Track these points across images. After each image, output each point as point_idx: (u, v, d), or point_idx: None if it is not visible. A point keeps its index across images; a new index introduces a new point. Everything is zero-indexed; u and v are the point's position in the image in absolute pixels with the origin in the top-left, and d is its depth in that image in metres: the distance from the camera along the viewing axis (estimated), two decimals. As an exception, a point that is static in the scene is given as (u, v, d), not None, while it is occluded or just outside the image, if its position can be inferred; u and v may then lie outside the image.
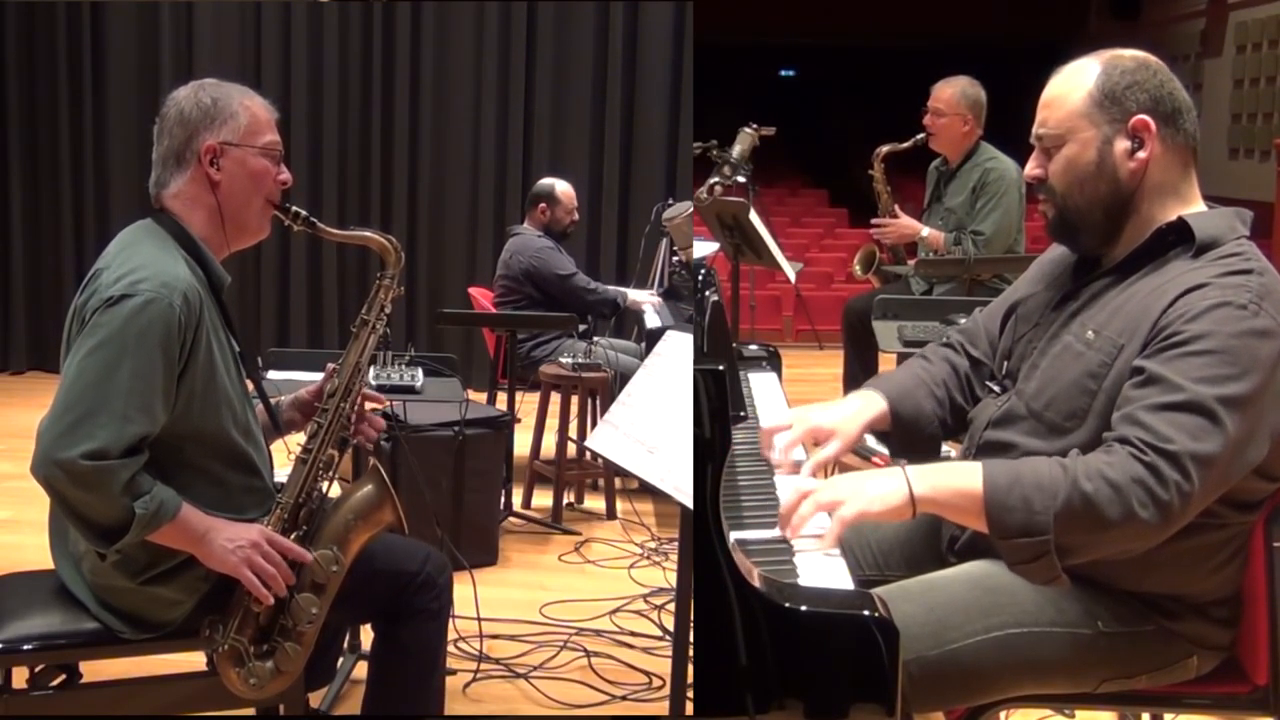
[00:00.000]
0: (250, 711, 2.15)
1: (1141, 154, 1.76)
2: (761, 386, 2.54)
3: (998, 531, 1.63)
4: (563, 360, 4.68)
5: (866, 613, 1.48)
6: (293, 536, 2.02)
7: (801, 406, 2.09)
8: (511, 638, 3.31)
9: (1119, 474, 1.57)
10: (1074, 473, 1.60)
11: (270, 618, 2.00)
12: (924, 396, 2.02)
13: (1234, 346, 1.61)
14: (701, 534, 1.51)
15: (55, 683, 2.05)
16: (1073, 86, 1.79)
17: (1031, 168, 1.86)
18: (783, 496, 1.77)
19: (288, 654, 1.99)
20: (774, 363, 2.71)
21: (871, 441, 3.47)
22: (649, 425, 2.18)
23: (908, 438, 2.02)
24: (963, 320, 2.17)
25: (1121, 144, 1.76)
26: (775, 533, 1.74)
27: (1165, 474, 1.56)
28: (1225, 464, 1.61)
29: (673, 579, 3.61)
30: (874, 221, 4.76)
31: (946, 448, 3.35)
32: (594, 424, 4.64)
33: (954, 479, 1.68)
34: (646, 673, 3.13)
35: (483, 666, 3.09)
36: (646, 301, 5.17)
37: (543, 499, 4.64)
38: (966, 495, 1.65)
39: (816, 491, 1.71)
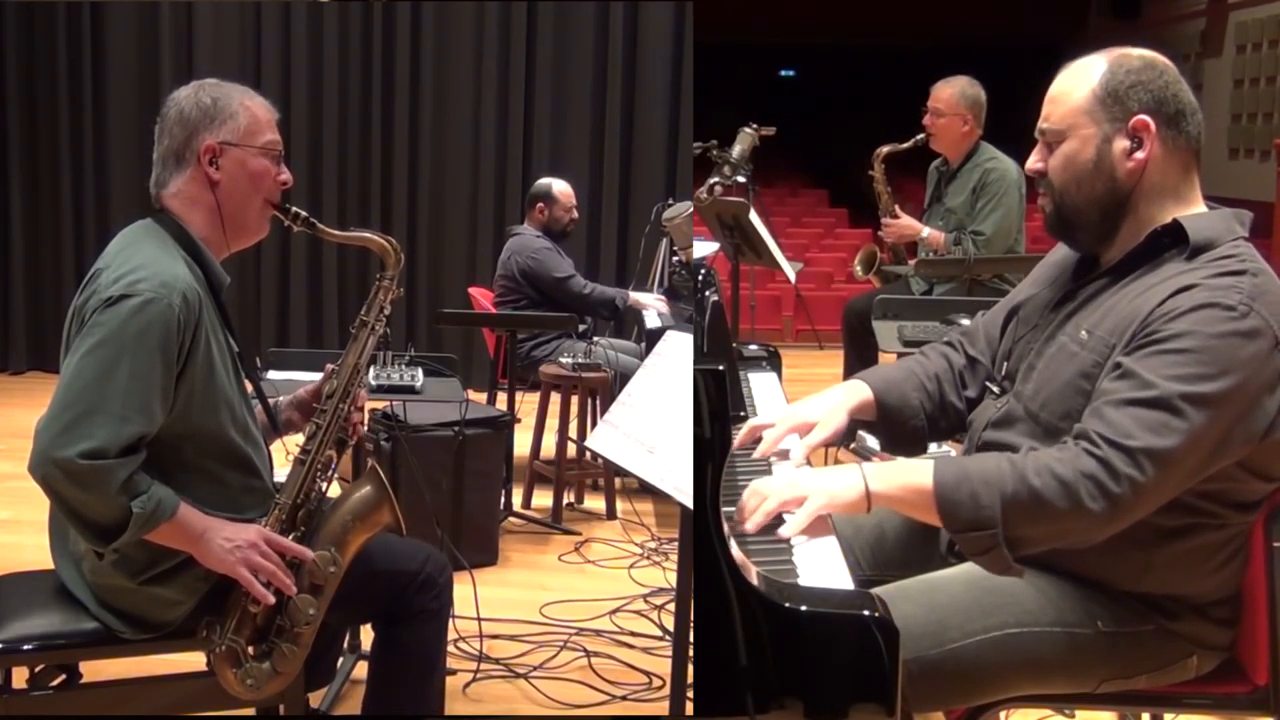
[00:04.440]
0: (250, 711, 2.15)
1: (1140, 154, 1.76)
2: (761, 386, 2.54)
3: (949, 525, 1.67)
4: (563, 360, 4.68)
5: (866, 613, 1.48)
6: (291, 538, 2.02)
7: (790, 405, 2.10)
8: (511, 638, 3.31)
9: (1067, 469, 1.60)
10: (1022, 468, 1.63)
11: (267, 619, 2.00)
12: (911, 389, 2.03)
13: (1213, 346, 1.61)
14: (701, 534, 1.51)
15: (55, 683, 2.05)
16: (1077, 83, 1.80)
17: (1033, 161, 1.86)
18: (744, 492, 1.78)
19: (285, 655, 1.99)
20: (774, 363, 2.71)
21: (871, 442, 3.48)
22: (649, 425, 2.18)
23: (892, 428, 2.05)
24: (963, 321, 2.18)
25: (1120, 143, 1.77)
26: (775, 532, 1.74)
27: (1117, 467, 1.59)
28: (1189, 461, 1.62)
29: (673, 579, 3.61)
30: (885, 222, 4.76)
31: (948, 447, 3.36)
32: (594, 424, 4.63)
33: (906, 476, 1.71)
34: (646, 673, 3.12)
35: (483, 666, 3.09)
36: (651, 305, 5.17)
37: (543, 499, 4.64)
38: (918, 491, 1.68)
39: (777, 490, 1.73)
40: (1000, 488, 1.62)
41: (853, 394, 2.03)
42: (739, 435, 2.04)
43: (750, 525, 1.72)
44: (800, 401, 2.06)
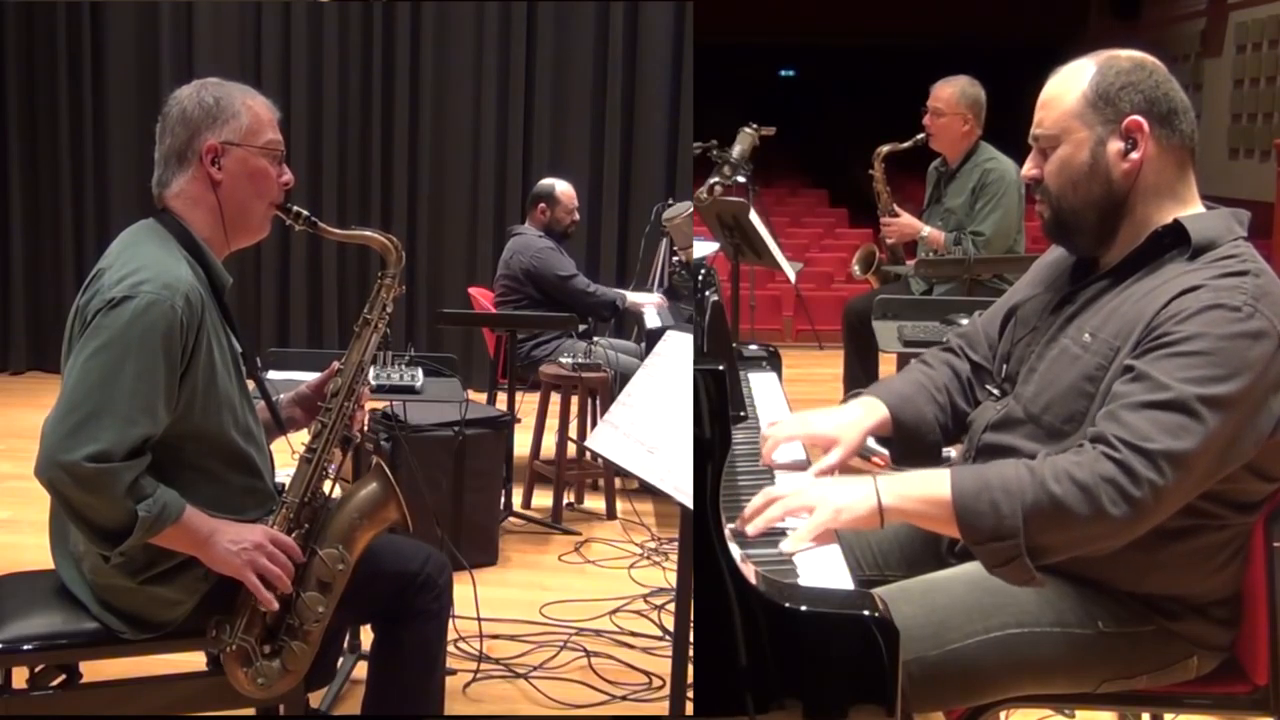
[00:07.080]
0: (250, 711, 2.15)
1: (1135, 155, 1.76)
2: (761, 386, 2.54)
3: (969, 536, 1.64)
4: (563, 360, 4.68)
5: (866, 613, 1.48)
6: (296, 535, 2.03)
7: (803, 411, 2.09)
8: (511, 638, 3.31)
9: (1086, 474, 1.58)
10: (1041, 475, 1.61)
11: (277, 617, 2.00)
12: (925, 403, 2.01)
13: (1224, 348, 1.61)
14: (701, 534, 1.51)
15: (55, 683, 2.05)
16: (1068, 87, 1.79)
17: (1028, 168, 1.86)
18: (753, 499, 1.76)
19: (295, 653, 2.00)
20: (774, 363, 2.71)
21: (872, 442, 3.46)
22: (649, 425, 2.18)
23: (909, 445, 2.02)
24: (963, 321, 2.17)
25: (1115, 145, 1.76)
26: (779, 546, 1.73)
27: (1138, 471, 1.57)
28: (1203, 463, 1.61)
29: (673, 579, 3.61)
30: (884, 220, 4.76)
31: (947, 449, 3.36)
32: (594, 424, 4.63)
33: (922, 487, 1.68)
34: (646, 673, 3.13)
35: (483, 666, 3.09)
36: (648, 303, 5.17)
37: (543, 499, 4.64)
38: (935, 503, 1.66)
39: (786, 497, 1.71)
40: (1021, 496, 1.60)
41: (870, 413, 2.00)
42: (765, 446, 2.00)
43: (752, 529, 1.70)
44: (815, 412, 2.03)
